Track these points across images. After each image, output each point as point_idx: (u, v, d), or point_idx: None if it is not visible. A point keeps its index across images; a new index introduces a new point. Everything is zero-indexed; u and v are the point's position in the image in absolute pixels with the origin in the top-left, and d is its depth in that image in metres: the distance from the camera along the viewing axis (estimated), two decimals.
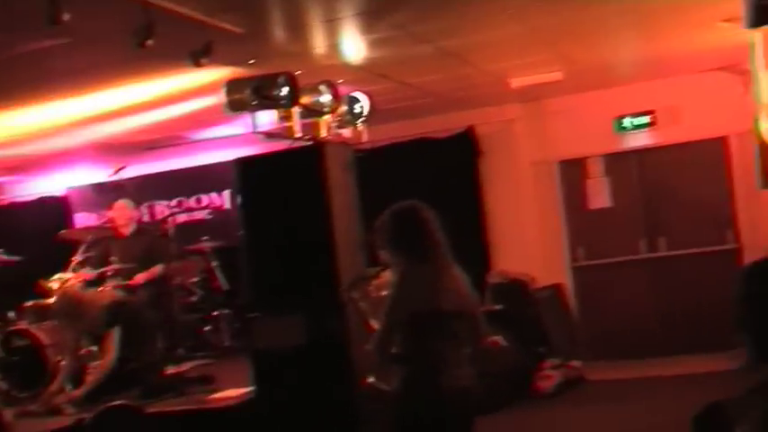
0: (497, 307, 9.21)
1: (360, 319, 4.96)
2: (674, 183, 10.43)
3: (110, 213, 9.06)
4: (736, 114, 9.06)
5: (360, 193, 6.51)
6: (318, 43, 6.93)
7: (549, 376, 9.15)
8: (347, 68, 7.55)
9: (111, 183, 9.84)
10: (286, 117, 6.18)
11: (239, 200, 6.52)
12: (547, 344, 9.47)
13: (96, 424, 5.44)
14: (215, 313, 9.61)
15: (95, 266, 8.29)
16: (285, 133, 6.23)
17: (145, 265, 8.39)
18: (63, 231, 9.68)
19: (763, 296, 2.23)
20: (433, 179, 10.26)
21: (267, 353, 6.12)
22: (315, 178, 6.11)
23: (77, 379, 7.05)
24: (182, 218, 11.02)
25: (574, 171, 10.81)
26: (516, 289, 9.76)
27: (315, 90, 6.42)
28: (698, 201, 10.26)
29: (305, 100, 6.25)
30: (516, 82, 9.19)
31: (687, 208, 10.31)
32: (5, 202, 12.36)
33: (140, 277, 8.31)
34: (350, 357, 5.90)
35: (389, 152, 10.44)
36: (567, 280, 10.66)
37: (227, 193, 11.08)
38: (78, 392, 6.86)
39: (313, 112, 6.44)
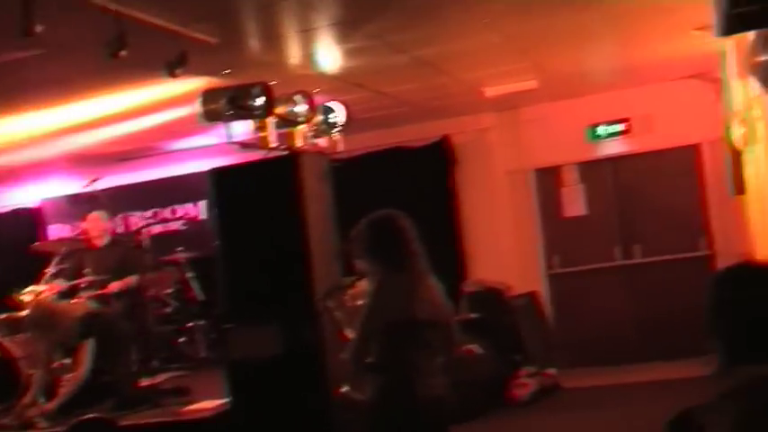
0: (473, 315, 9.21)
1: (335, 329, 4.95)
2: (648, 190, 10.52)
3: (84, 225, 9.00)
4: (709, 122, 9.16)
5: (336, 203, 6.50)
6: (293, 53, 6.94)
7: (525, 384, 9.17)
8: (322, 78, 7.56)
9: (86, 194, 9.77)
10: (261, 127, 6.17)
11: (214, 210, 6.49)
12: (522, 352, 9.49)
13: None
14: (190, 324, 9.55)
15: (69, 278, 8.26)
16: (260, 143, 6.23)
17: (119, 277, 8.33)
18: (36, 243, 9.63)
19: (734, 302, 2.25)
20: (408, 188, 10.28)
21: (243, 363, 6.10)
22: (290, 188, 6.10)
23: (50, 392, 6.97)
24: (156, 229, 10.97)
25: (549, 179, 10.86)
26: (492, 297, 9.77)
27: (290, 100, 6.41)
28: (671, 208, 10.35)
29: (280, 110, 6.24)
30: (491, 91, 9.23)
31: (661, 215, 10.39)
32: None
33: (114, 286, 8.25)
34: (325, 366, 5.89)
35: (365, 161, 10.47)
36: (542, 288, 10.70)
37: (202, 204, 11.01)
38: (51, 405, 6.79)
39: (288, 122, 6.43)
